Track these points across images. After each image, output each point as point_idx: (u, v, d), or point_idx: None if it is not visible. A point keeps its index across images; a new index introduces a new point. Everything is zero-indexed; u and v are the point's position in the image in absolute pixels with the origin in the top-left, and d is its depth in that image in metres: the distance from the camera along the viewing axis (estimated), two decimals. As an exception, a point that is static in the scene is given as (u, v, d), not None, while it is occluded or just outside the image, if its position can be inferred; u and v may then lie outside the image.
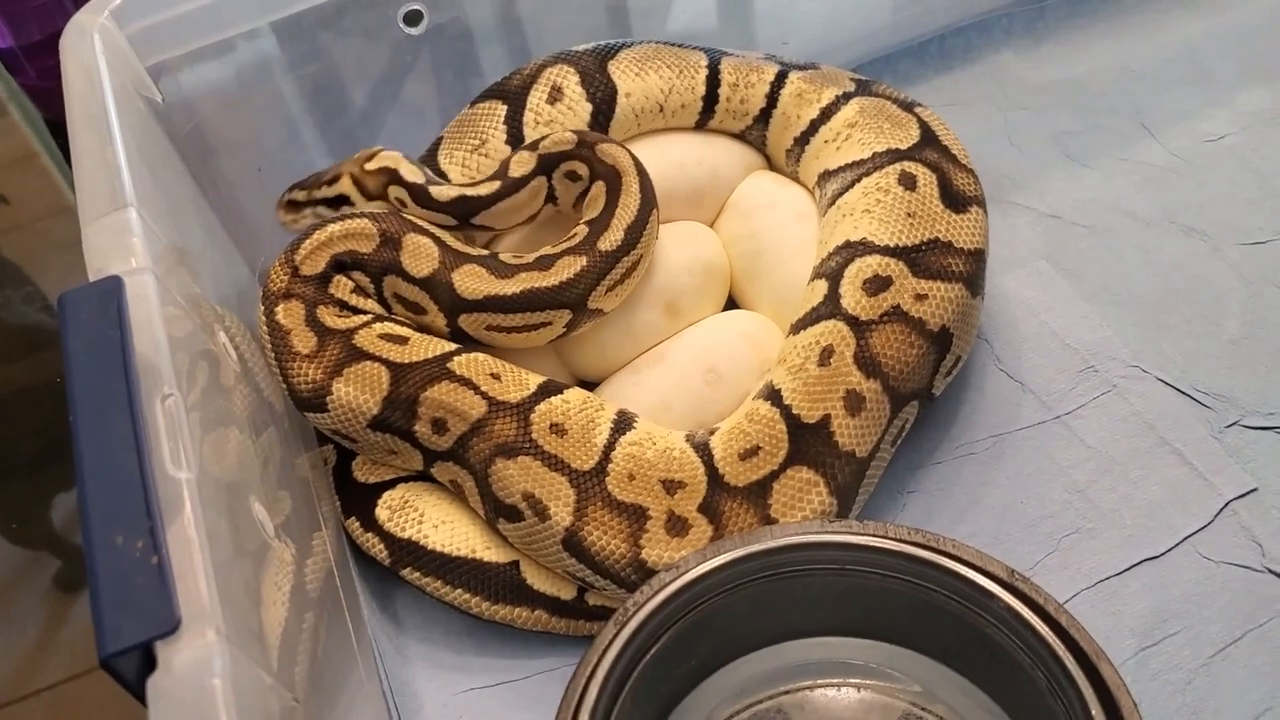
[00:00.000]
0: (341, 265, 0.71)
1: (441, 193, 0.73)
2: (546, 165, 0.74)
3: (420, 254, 0.71)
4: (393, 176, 0.74)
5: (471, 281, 0.70)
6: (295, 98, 0.86)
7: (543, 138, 0.75)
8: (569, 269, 0.70)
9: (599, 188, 0.74)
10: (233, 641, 0.44)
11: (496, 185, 0.74)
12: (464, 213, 0.74)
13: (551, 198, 0.76)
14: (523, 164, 0.74)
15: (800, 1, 0.97)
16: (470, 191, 0.74)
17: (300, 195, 0.77)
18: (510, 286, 0.70)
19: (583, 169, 0.74)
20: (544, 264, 0.71)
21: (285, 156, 0.88)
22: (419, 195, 0.74)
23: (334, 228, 0.71)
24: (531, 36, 0.90)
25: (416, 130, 0.92)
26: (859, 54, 0.99)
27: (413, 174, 0.74)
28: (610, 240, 0.71)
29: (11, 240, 1.13)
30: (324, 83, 0.87)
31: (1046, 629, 0.50)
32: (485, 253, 0.73)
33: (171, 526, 0.46)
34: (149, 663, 0.43)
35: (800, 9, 0.97)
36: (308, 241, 0.71)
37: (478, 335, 0.72)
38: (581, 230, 0.73)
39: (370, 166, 0.75)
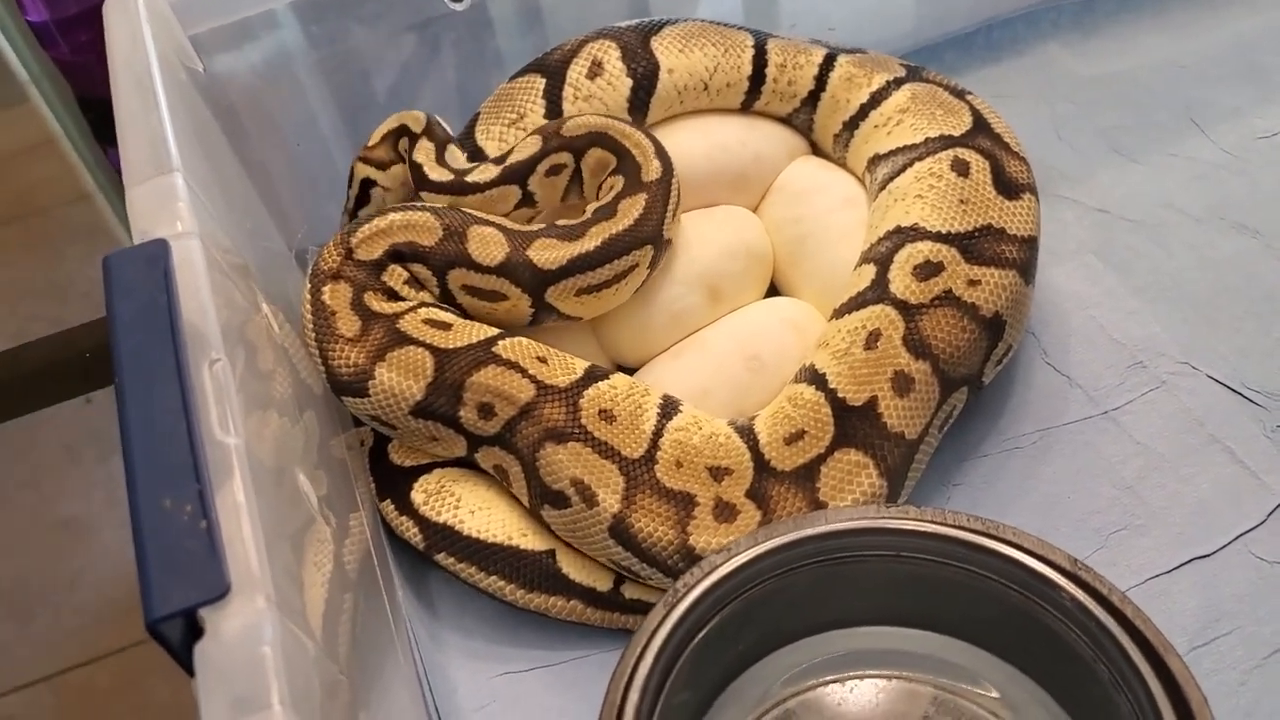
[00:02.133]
0: (399, 255, 0.70)
1: (416, 152, 0.74)
2: (516, 175, 0.74)
3: (488, 242, 0.69)
4: (400, 132, 0.75)
5: (549, 252, 0.69)
6: (334, 73, 0.85)
7: (511, 149, 0.75)
8: (635, 207, 0.70)
9: (595, 153, 0.73)
10: (282, 610, 0.43)
11: (447, 178, 0.73)
12: (416, 183, 0.74)
13: (529, 202, 0.75)
14: (484, 173, 0.74)
15: (823, 3, 0.96)
16: (426, 167, 0.74)
17: (344, 219, 0.78)
18: (589, 243, 0.69)
19: (563, 157, 0.74)
20: (606, 213, 0.71)
21: (324, 132, 0.87)
22: (410, 142, 0.75)
23: (395, 216, 0.70)
24: (550, 26, 0.89)
25: (451, 112, 0.91)
26: (903, 45, 0.98)
27: (415, 122, 0.75)
28: (652, 172, 0.72)
29: (29, 226, 1.13)
30: (362, 59, 0.86)
31: (1111, 620, 0.49)
32: (543, 225, 0.72)
33: (220, 491, 0.45)
34: (194, 630, 0.42)
35: (823, 10, 0.96)
36: (366, 226, 0.70)
37: (567, 307, 0.71)
38: (615, 180, 0.72)
39: (372, 143, 0.76)
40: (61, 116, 1.17)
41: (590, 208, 0.72)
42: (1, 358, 0.99)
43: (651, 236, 0.70)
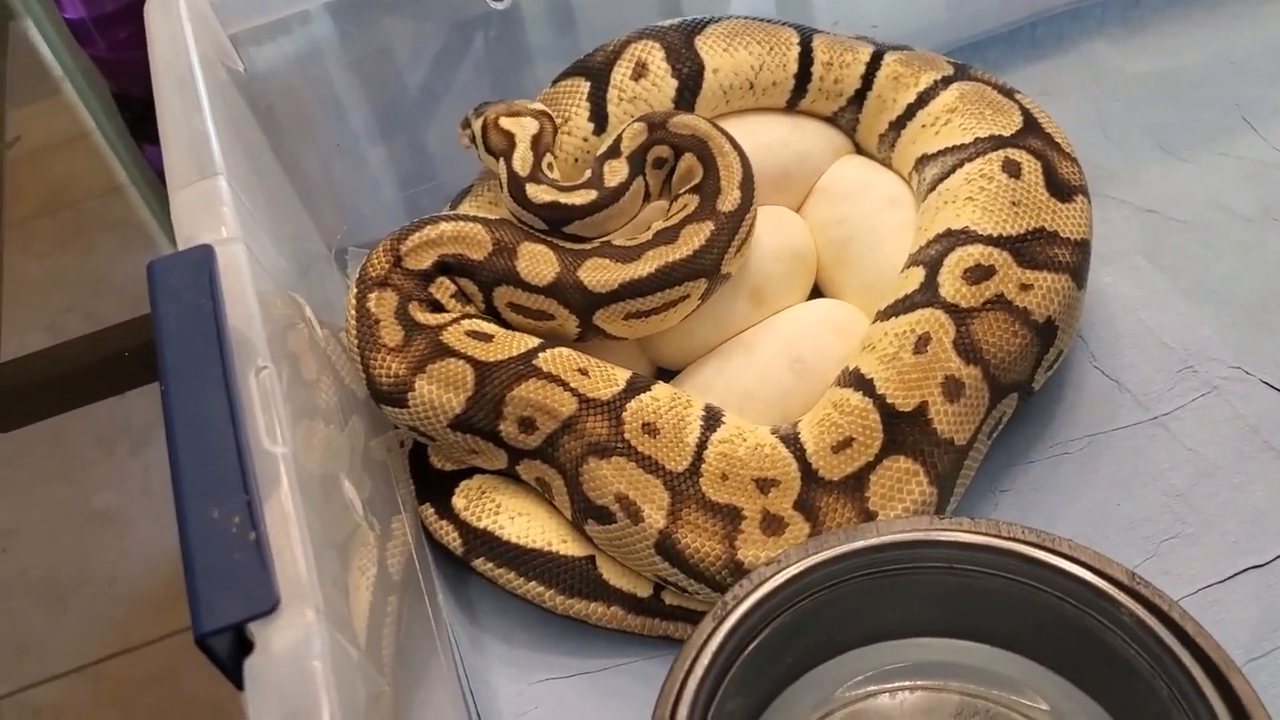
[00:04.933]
0: (447, 268, 0.69)
1: (536, 193, 0.70)
2: (637, 165, 0.72)
3: (539, 260, 0.68)
4: (510, 146, 0.72)
5: (601, 274, 0.68)
6: (370, 71, 0.85)
7: (618, 139, 0.72)
8: (698, 236, 0.68)
9: (688, 159, 0.71)
10: (330, 622, 0.42)
11: (593, 195, 0.70)
12: (555, 219, 0.70)
13: (647, 195, 0.73)
14: (615, 172, 0.71)
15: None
16: (565, 199, 0.70)
17: (471, 114, 0.75)
18: (643, 268, 0.68)
19: (664, 150, 0.72)
20: (668, 237, 0.69)
21: (360, 129, 0.87)
22: (514, 187, 0.71)
23: (445, 227, 0.69)
24: (583, 23, 0.89)
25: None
26: (945, 40, 0.96)
27: (522, 161, 0.71)
28: (729, 201, 0.69)
29: (62, 219, 1.13)
30: (399, 57, 0.85)
31: (1171, 636, 0.48)
32: (599, 243, 0.71)
33: (269, 502, 0.44)
34: (244, 644, 0.41)
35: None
36: (416, 234, 0.69)
37: (614, 329, 0.70)
38: (690, 199, 0.71)
39: (503, 123, 0.73)
40: (94, 109, 1.17)
41: (654, 227, 0.71)
42: (40, 356, 0.99)
43: (708, 270, 0.69)
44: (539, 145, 0.72)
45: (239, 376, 0.48)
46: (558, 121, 0.76)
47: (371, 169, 0.89)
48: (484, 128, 0.73)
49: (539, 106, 0.75)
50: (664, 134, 0.72)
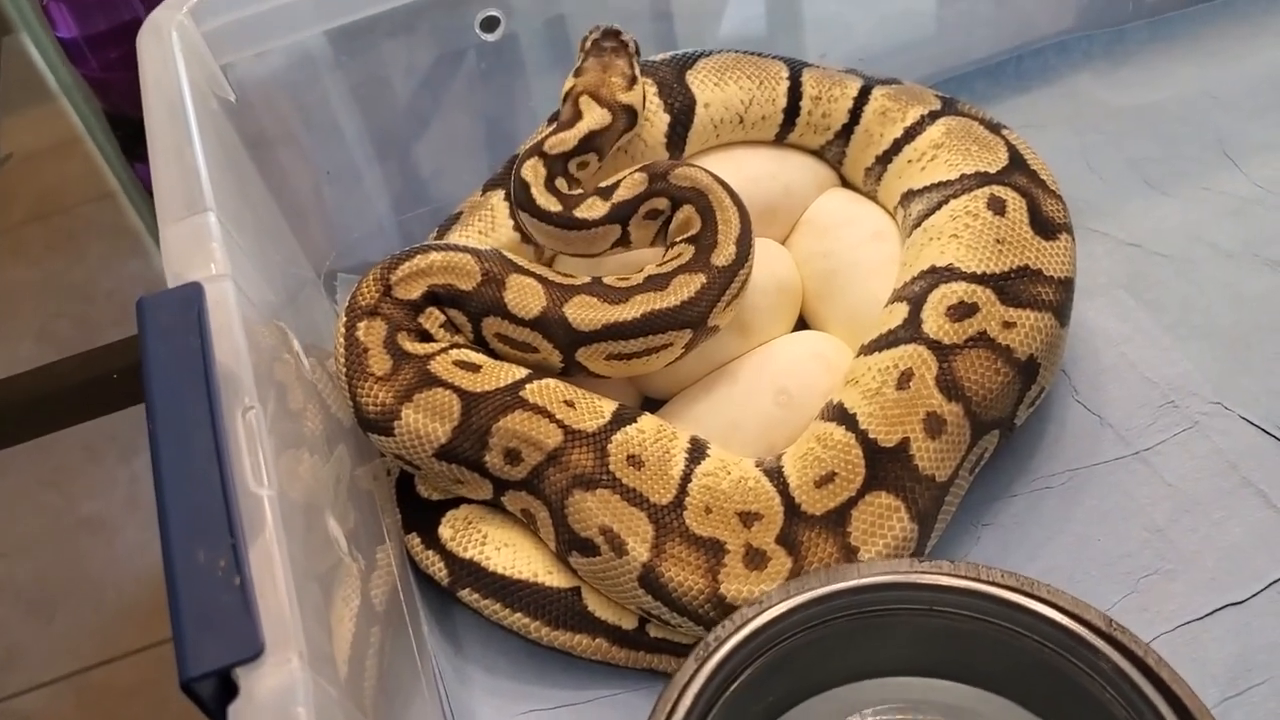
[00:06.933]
0: (436, 298, 0.69)
1: (525, 169, 0.71)
2: (621, 214, 0.71)
3: (526, 293, 0.68)
4: (566, 124, 0.73)
5: (586, 312, 0.68)
6: (364, 103, 0.85)
7: (617, 182, 0.72)
8: (688, 287, 0.68)
9: (687, 211, 0.71)
10: (314, 667, 0.43)
11: (556, 208, 0.71)
12: (517, 198, 0.72)
13: (624, 242, 0.73)
14: (590, 208, 0.71)
15: (847, 13, 0.95)
16: (534, 190, 0.71)
17: (590, 44, 0.76)
18: (628, 311, 0.68)
19: (662, 203, 0.72)
20: (658, 284, 0.68)
21: (351, 157, 0.87)
22: (526, 151, 0.72)
23: (436, 257, 0.69)
24: (576, 51, 0.89)
25: (479, 138, 0.91)
26: (933, 71, 0.97)
27: (557, 141, 0.72)
28: (724, 256, 0.69)
29: (53, 224, 1.13)
30: (392, 89, 0.86)
31: (1146, 682, 0.49)
32: (589, 280, 0.70)
33: (253, 545, 0.45)
34: (228, 688, 0.42)
35: (848, 21, 0.95)
36: (406, 264, 0.69)
37: (595, 367, 0.70)
38: (686, 249, 0.70)
39: (581, 102, 0.73)
40: (85, 115, 1.17)
41: (645, 271, 0.71)
42: (28, 376, 0.99)
43: (694, 321, 0.68)
44: (591, 140, 0.72)
45: (226, 416, 0.48)
46: None
47: (362, 194, 0.89)
48: (569, 92, 0.74)
49: (628, 100, 0.74)
50: (665, 185, 0.71)
